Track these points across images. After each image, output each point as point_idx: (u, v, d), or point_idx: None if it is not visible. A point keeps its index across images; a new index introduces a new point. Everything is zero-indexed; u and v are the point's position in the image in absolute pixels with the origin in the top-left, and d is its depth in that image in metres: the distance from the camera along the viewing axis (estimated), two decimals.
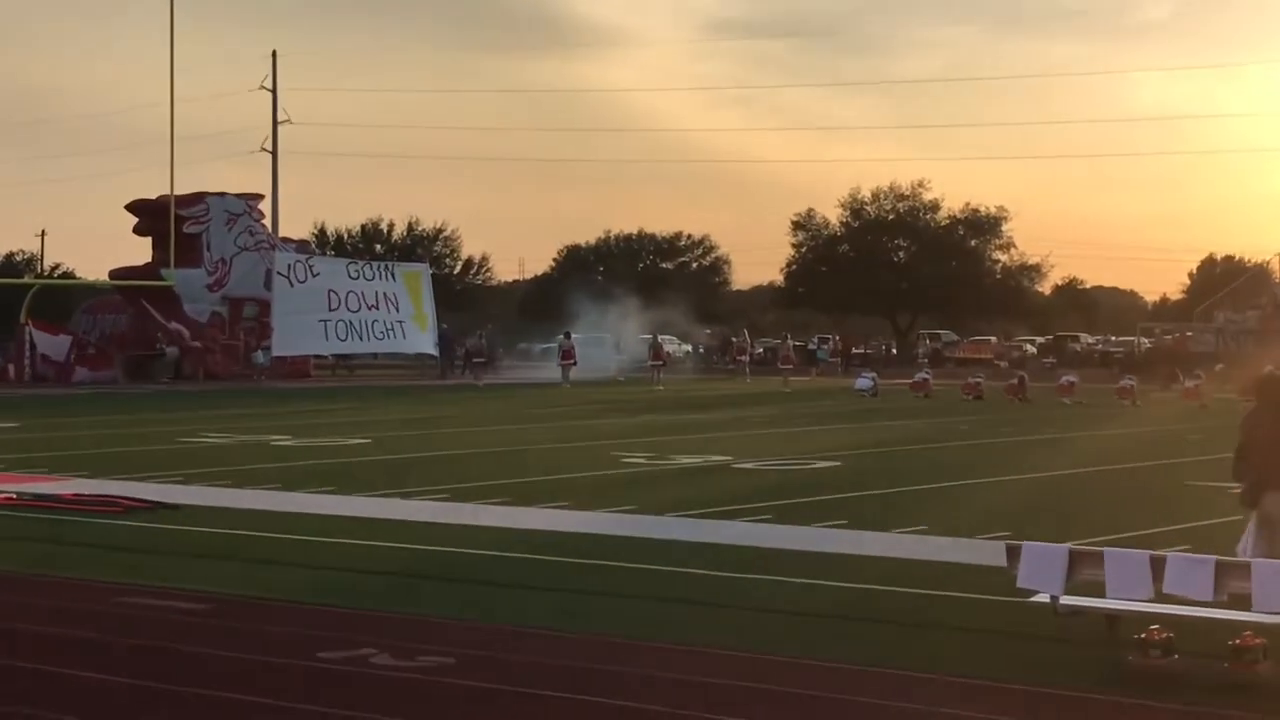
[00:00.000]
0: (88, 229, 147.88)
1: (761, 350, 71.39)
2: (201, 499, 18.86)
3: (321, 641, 10.23)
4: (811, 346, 75.67)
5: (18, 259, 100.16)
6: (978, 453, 27.33)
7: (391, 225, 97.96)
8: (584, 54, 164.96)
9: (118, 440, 29.21)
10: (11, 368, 55.63)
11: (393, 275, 62.99)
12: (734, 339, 67.78)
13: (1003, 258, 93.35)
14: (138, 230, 61.51)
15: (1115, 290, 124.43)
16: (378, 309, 60.80)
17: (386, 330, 61.22)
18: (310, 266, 59.95)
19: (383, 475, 22.08)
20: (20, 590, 12.42)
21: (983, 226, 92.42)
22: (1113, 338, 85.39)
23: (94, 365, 56.44)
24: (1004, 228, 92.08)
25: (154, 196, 59.68)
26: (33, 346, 55.57)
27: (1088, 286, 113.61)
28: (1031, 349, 79.55)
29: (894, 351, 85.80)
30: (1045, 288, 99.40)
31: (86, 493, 18.94)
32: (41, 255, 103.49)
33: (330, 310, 59.01)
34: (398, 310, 61.62)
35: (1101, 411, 39.85)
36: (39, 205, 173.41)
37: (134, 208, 61.52)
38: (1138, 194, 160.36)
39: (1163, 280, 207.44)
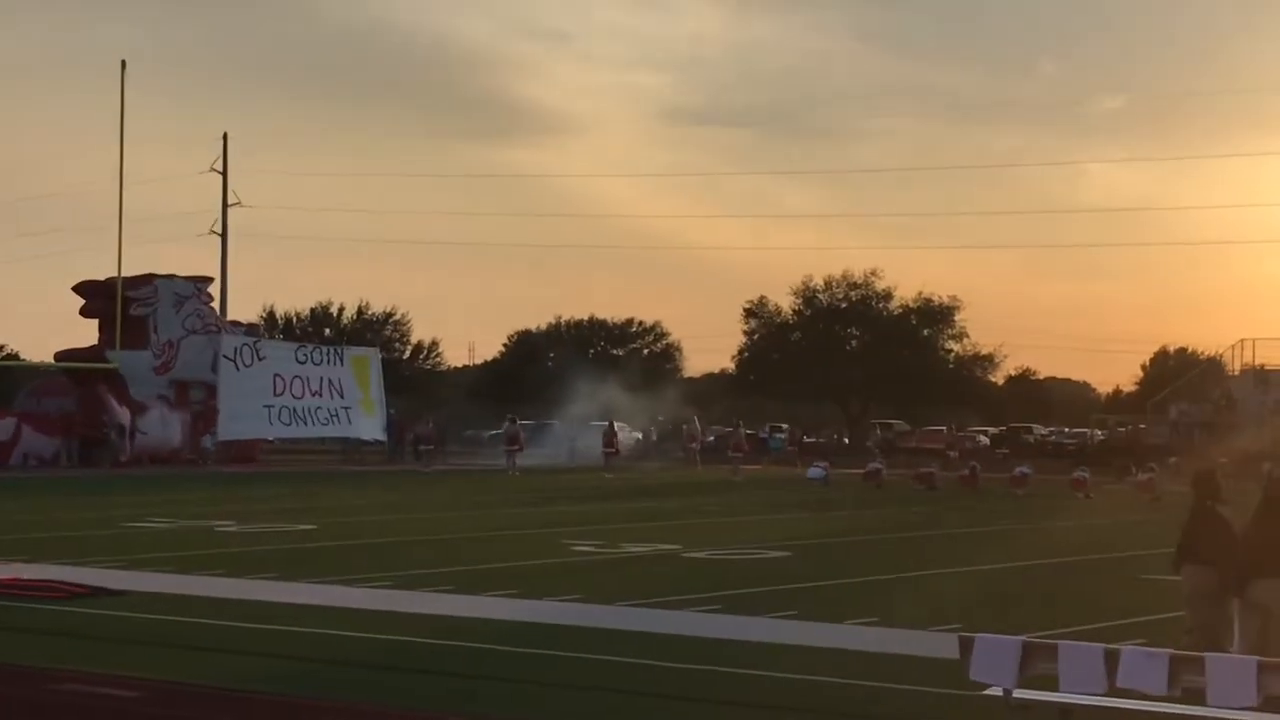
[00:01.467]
0: (34, 310, 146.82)
1: (713, 438, 71.27)
2: (144, 584, 18.49)
3: None
4: (763, 435, 75.61)
5: None
6: (930, 543, 27.19)
7: (341, 309, 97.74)
8: (537, 140, 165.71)
9: (60, 524, 28.76)
10: None
11: (341, 360, 62.72)
12: (685, 426, 67.66)
13: (955, 347, 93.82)
14: (85, 312, 61.06)
15: (1068, 381, 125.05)
16: (322, 395, 60.50)
17: (331, 416, 60.92)
18: (257, 350, 59.67)
19: (327, 561, 21.76)
20: None
21: (935, 316, 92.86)
22: (1066, 429, 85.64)
23: (38, 444, 55.75)
24: (957, 317, 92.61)
25: (102, 278, 59.30)
26: None
27: (1041, 377, 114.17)
28: (984, 439, 79.70)
29: (846, 440, 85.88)
30: (998, 378, 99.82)
31: (26, 577, 18.56)
32: None
33: (275, 395, 58.66)
34: (343, 396, 61.33)
35: (1054, 503, 39.82)
36: None
37: (82, 289, 61.11)
38: (1090, 285, 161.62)
39: (1116, 372, 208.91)
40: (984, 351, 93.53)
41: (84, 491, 40.19)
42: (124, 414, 57.16)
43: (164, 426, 58.75)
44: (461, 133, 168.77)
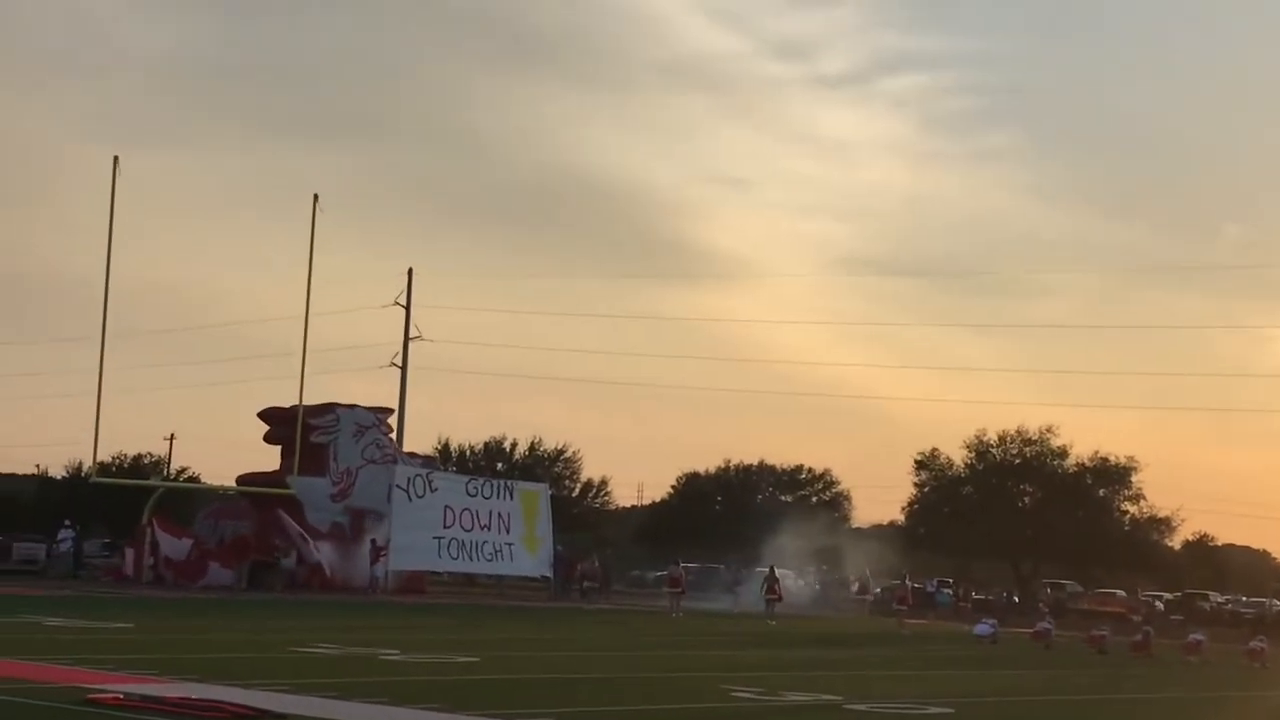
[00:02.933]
0: (216, 434, 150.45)
1: (879, 589, 70.45)
2: (307, 709, 18.75)
3: None
4: (931, 589, 74.54)
5: (145, 461, 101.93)
6: (1097, 707, 26.55)
7: (514, 444, 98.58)
8: (713, 284, 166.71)
9: (230, 645, 29.27)
10: (131, 568, 56.21)
11: (511, 494, 63.21)
12: (853, 576, 66.97)
13: (1131, 509, 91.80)
14: (268, 438, 62.39)
15: (1247, 549, 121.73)
16: (489, 529, 60.92)
17: (495, 552, 61.26)
18: (430, 482, 60.40)
19: (489, 694, 21.87)
20: None
21: (1111, 476, 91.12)
22: (1244, 597, 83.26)
23: (215, 570, 56.80)
24: (1133, 478, 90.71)
25: (287, 405, 60.64)
26: (155, 546, 56.16)
27: (1218, 544, 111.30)
28: (1160, 605, 77.79)
29: (1016, 599, 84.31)
30: (1175, 542, 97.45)
31: (195, 697, 18.92)
32: (169, 458, 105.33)
33: (445, 527, 59.24)
34: (508, 532, 61.70)
35: (1229, 673, 38.67)
36: (170, 409, 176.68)
37: (266, 415, 62.51)
38: (1272, 452, 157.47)
39: None
40: (1161, 514, 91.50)
41: (254, 615, 40.86)
42: (303, 538, 58.10)
43: (337, 554, 59.60)
44: (640, 275, 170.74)
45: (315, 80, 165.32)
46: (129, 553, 57.78)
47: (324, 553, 59.09)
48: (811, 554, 79.25)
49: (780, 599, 59.63)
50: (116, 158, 51.02)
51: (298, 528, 58.32)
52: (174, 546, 56.96)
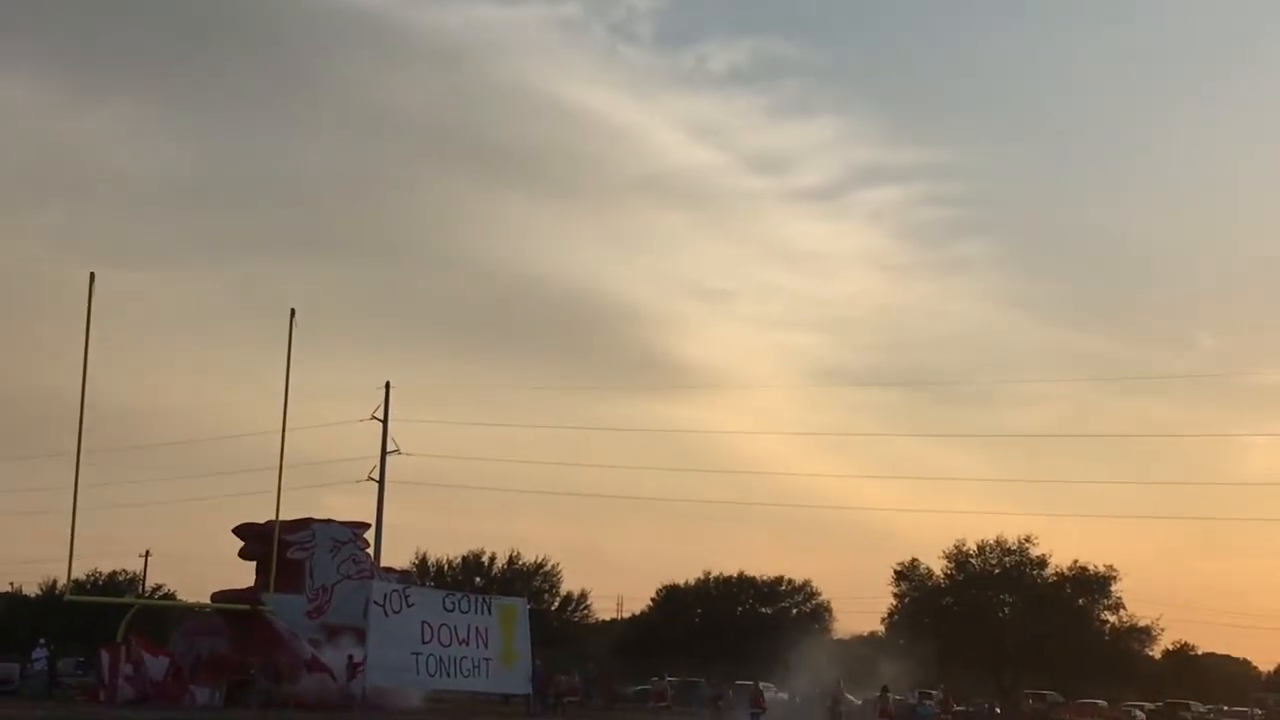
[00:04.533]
0: (192, 551, 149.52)
1: (859, 703, 69.96)
2: None
3: None
4: (913, 700, 74.05)
5: (121, 579, 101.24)
6: None
7: (493, 557, 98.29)
8: (692, 396, 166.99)
9: None
10: (106, 687, 55.55)
11: (489, 609, 62.76)
12: (830, 689, 66.59)
13: (1111, 618, 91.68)
14: (243, 554, 62.05)
15: (1228, 658, 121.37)
16: (468, 644, 60.42)
17: (473, 667, 60.71)
18: (406, 597, 59.94)
19: None
20: None
21: (1091, 585, 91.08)
22: (1225, 707, 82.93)
23: (192, 688, 56.18)
24: (1113, 588, 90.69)
25: (262, 521, 60.38)
26: (138, 665, 55.49)
27: (1199, 653, 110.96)
28: (1141, 715, 77.38)
29: (998, 710, 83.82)
30: (1155, 651, 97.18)
31: None
32: (144, 575, 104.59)
33: (424, 643, 58.76)
34: (486, 646, 61.20)
35: None
36: (146, 526, 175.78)
37: (241, 531, 62.21)
38: (1252, 560, 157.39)
39: (1276, 649, 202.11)
40: (1141, 623, 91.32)
41: None
42: (293, 635, 57.52)
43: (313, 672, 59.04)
44: (619, 387, 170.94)
45: (293, 196, 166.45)
46: (105, 668, 56.85)
47: (326, 655, 58.36)
48: (792, 666, 78.77)
49: (764, 711, 59.24)
50: (93, 274, 51.02)
51: (300, 645, 57.84)
52: (152, 665, 56.34)
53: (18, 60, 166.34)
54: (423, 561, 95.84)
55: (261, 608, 58.16)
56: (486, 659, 61.23)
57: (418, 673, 59.16)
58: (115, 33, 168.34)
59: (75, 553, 51.98)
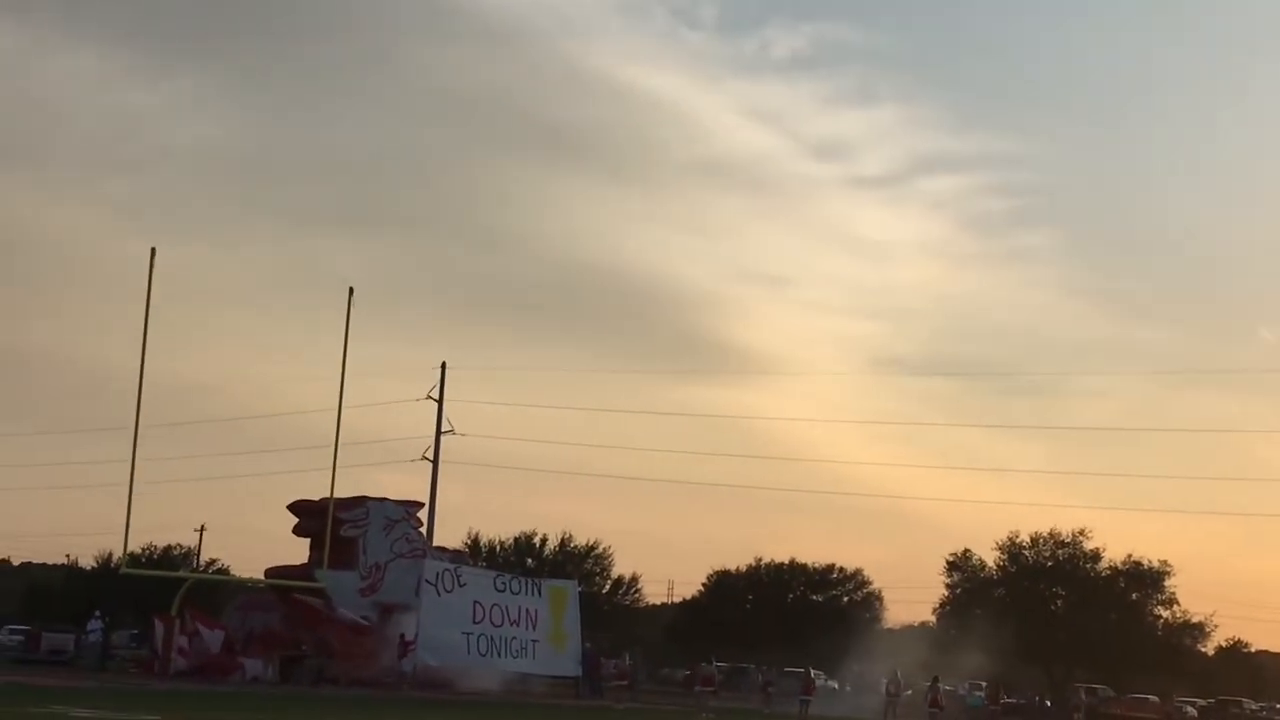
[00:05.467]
0: (247, 526, 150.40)
1: (910, 691, 69.80)
2: None
3: None
4: (962, 691, 73.82)
5: (175, 553, 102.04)
6: None
7: (544, 539, 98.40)
8: (748, 382, 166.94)
9: None
10: (159, 659, 55.99)
11: (539, 591, 62.92)
12: (885, 678, 66.48)
13: (1165, 614, 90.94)
14: (297, 530, 62.34)
15: None
16: (518, 625, 60.59)
17: (522, 648, 60.87)
18: (458, 577, 60.17)
19: None
20: None
21: (1145, 580, 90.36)
22: (1278, 705, 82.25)
23: (246, 661, 56.54)
24: (1167, 583, 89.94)
25: (316, 498, 60.63)
26: (193, 637, 55.91)
27: (1253, 650, 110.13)
28: (1193, 711, 76.88)
29: (1048, 703, 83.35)
30: (1208, 648, 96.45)
31: None
32: (199, 550, 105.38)
33: (475, 623, 58.96)
34: (534, 629, 61.33)
35: None
36: (201, 501, 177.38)
37: (296, 508, 62.49)
38: None
39: None
40: (1194, 619, 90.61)
41: (281, 708, 40.67)
42: (352, 621, 57.83)
43: (365, 648, 59.37)
44: (675, 372, 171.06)
45: (351, 175, 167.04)
46: (159, 639, 57.19)
47: (353, 646, 58.62)
48: (843, 654, 78.60)
49: (813, 698, 59.18)
50: (154, 250, 51.36)
51: (338, 617, 58.20)
52: (209, 637, 56.77)
53: (86, 33, 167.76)
54: (475, 542, 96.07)
55: (316, 584, 58.49)
56: (534, 640, 61.42)
57: (468, 652, 59.41)
58: (181, 7, 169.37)
59: (131, 526, 52.46)
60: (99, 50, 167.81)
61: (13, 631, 69.47)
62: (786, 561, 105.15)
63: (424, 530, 67.28)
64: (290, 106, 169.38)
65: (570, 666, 63.92)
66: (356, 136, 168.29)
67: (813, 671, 62.85)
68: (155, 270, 51.29)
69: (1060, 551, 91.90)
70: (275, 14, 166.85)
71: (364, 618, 60.17)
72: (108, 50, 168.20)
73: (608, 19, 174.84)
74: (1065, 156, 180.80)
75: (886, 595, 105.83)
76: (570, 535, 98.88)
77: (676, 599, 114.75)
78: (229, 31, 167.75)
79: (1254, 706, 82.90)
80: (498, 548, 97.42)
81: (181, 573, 79.54)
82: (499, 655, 60.47)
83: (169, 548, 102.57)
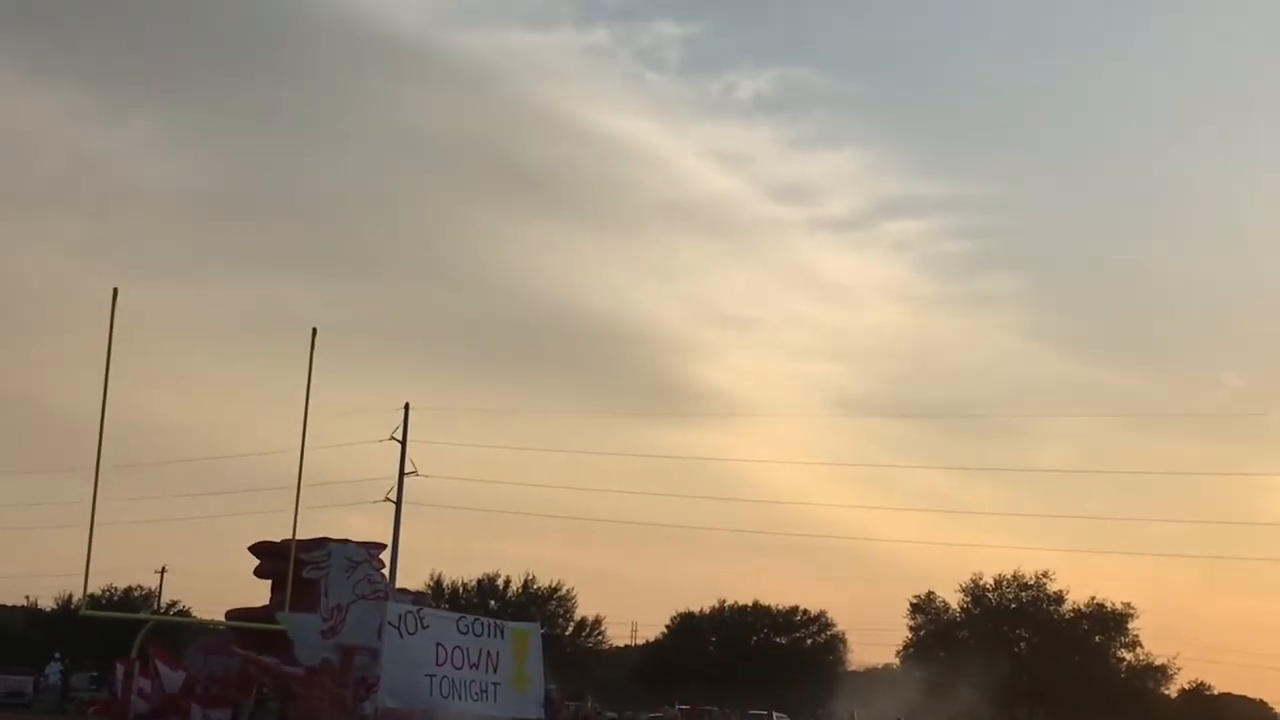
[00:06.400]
0: (208, 568, 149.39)
1: None
2: None
3: None
4: None
5: (136, 594, 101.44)
6: None
7: (508, 581, 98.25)
8: (713, 424, 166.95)
9: None
10: (119, 700, 55.53)
11: (501, 633, 62.64)
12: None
13: (1128, 656, 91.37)
14: (258, 572, 61.96)
15: (1244, 698, 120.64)
16: (478, 668, 60.30)
17: (482, 691, 60.56)
18: (421, 619, 59.88)
19: None
20: None
21: (1108, 623, 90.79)
22: None
23: (208, 705, 56.16)
24: (1130, 625, 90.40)
25: (278, 540, 60.34)
26: (154, 679, 55.49)
27: (1216, 692, 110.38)
28: None
29: None
30: (1171, 690, 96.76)
31: None
32: (160, 592, 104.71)
33: (437, 665, 58.64)
34: (496, 671, 61.06)
35: None
36: (162, 543, 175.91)
37: (257, 549, 62.15)
38: (1270, 601, 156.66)
39: None
40: (1157, 662, 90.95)
41: None
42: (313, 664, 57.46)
43: (326, 690, 58.95)
44: (639, 414, 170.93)
45: (316, 215, 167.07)
46: (119, 681, 56.73)
47: (313, 689, 58.30)
48: (806, 696, 78.54)
49: None
50: (116, 289, 51.03)
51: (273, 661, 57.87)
52: (169, 679, 56.35)
53: (51, 74, 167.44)
54: (438, 583, 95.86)
55: (277, 626, 58.16)
56: (495, 683, 61.09)
57: (430, 694, 59.06)
58: (147, 48, 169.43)
59: (92, 568, 51.99)
60: (64, 90, 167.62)
61: None
62: (750, 604, 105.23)
63: (386, 572, 66.97)
64: (255, 147, 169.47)
65: (533, 709, 63.60)
66: (321, 177, 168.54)
67: (775, 714, 62.82)
68: (117, 310, 51.05)
69: (1024, 594, 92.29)
70: (241, 54, 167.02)
71: (325, 660, 59.87)
72: (73, 90, 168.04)
73: (574, 62, 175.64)
74: (1027, 199, 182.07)
75: (850, 637, 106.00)
76: (533, 577, 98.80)
77: (640, 641, 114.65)
78: (194, 72, 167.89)
79: None
80: (460, 589, 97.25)
81: (142, 614, 79.03)
82: (460, 698, 60.12)
83: (129, 589, 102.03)
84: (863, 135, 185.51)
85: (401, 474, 76.52)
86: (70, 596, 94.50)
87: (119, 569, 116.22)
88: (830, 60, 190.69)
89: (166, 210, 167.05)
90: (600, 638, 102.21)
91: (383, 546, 66.45)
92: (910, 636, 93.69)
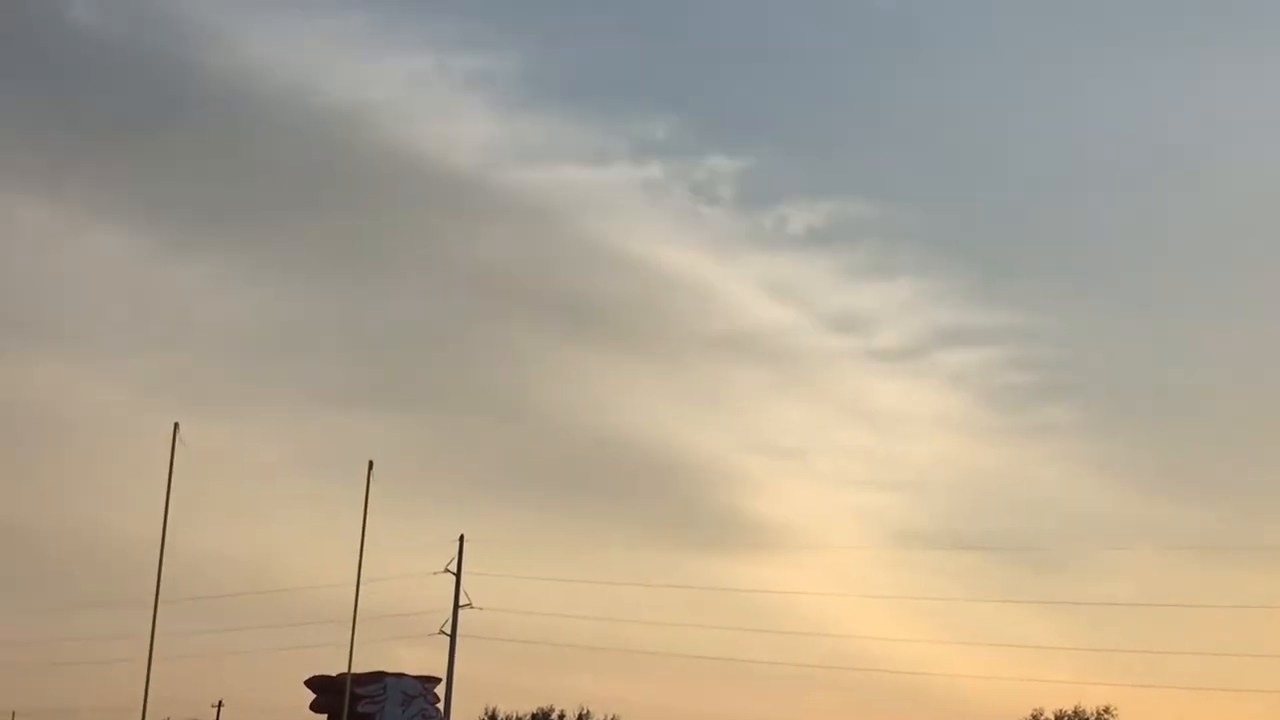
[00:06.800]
0: (265, 702, 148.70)
1: None
2: None
3: None
4: None
5: None
6: None
7: (562, 715, 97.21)
8: (766, 556, 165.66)
9: None
10: None
11: None
12: None
13: None
14: (314, 707, 61.96)
15: None
16: None
17: None
18: None
19: None
20: None
21: None
22: None
23: None
24: None
25: (334, 674, 60.28)
26: None
27: None
28: None
29: None
30: None
31: None
32: None
33: None
34: None
35: None
36: (219, 676, 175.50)
37: (313, 683, 62.15)
38: None
39: None
40: None
41: None
42: None
43: None
44: (692, 545, 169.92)
45: (371, 348, 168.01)
46: None
47: None
48: None
49: None
50: (176, 425, 51.79)
51: None
52: None
53: (115, 212, 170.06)
54: (492, 717, 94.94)
55: None
56: None
57: None
58: (205, 186, 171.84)
59: (150, 701, 52.09)
60: (127, 229, 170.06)
61: None
62: None
63: (441, 705, 66.75)
64: (312, 282, 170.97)
65: None
66: (377, 311, 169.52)
67: None
68: (177, 445, 51.62)
69: None
70: (297, 191, 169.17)
71: None
72: (136, 228, 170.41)
73: (629, 196, 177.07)
74: (1086, 329, 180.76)
75: None
76: (588, 711, 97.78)
77: None
78: (252, 209, 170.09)
79: None
80: None
81: None
82: None
83: None
84: (916, 265, 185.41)
85: (456, 607, 76.28)
86: None
87: (176, 702, 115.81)
88: (882, 192, 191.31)
89: (227, 346, 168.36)
90: None
91: (437, 680, 66.34)
92: None
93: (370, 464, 58.74)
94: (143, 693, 51.31)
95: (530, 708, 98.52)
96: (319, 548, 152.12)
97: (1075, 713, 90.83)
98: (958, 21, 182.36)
